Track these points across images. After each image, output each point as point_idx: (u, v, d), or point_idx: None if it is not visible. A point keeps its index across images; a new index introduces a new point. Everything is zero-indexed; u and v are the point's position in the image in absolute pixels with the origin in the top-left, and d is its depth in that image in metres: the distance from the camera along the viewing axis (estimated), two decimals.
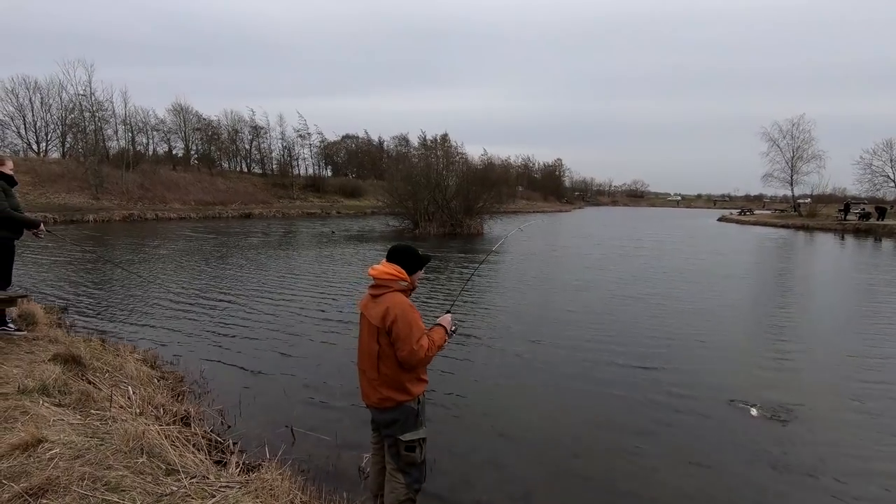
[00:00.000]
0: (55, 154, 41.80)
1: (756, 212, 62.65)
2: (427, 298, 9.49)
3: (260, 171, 54.70)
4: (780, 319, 8.65)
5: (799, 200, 49.61)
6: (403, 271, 2.68)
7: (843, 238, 28.52)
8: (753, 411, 4.73)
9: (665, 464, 3.86)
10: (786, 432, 4.41)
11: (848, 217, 37.13)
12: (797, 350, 6.85)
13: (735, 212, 64.64)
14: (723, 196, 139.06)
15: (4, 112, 39.33)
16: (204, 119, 50.27)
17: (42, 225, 5.39)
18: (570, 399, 5.08)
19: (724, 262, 16.02)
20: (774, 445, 4.16)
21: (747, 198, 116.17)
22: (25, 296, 5.66)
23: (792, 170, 47.38)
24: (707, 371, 5.89)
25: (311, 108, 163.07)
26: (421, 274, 2.83)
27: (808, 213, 43.08)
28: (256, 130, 54.33)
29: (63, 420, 3.30)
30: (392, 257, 2.73)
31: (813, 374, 5.98)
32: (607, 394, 5.16)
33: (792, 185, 48.18)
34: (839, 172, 72.68)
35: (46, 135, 42.39)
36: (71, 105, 37.78)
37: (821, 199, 47.22)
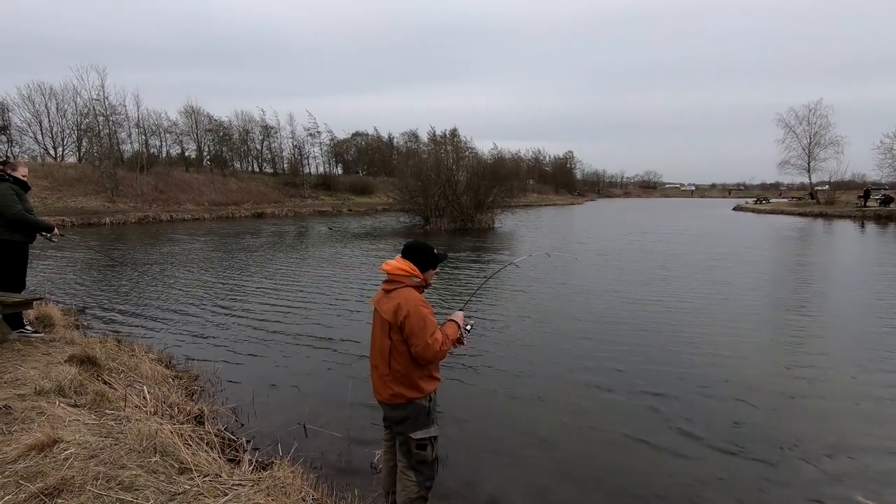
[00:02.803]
0: (71, 158, 42.54)
1: (772, 200, 61.53)
2: (430, 299, 9.19)
3: (271, 171, 55.09)
4: (812, 331, 7.39)
5: (816, 188, 48.50)
6: (416, 268, 2.67)
7: (863, 225, 27.82)
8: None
9: None
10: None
11: (868, 203, 36.24)
12: (834, 375, 5.59)
13: (750, 201, 63.57)
14: (738, 185, 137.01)
15: (22, 118, 40.16)
16: (215, 120, 50.76)
17: (55, 228, 5.46)
18: (568, 437, 4.24)
19: (744, 257, 15.41)
20: None
21: (763, 186, 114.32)
22: (41, 298, 5.75)
23: (809, 156, 46.18)
24: (734, 408, 4.68)
25: (320, 107, 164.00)
26: (434, 272, 2.81)
27: (826, 201, 42.10)
28: (267, 130, 54.71)
29: (78, 420, 3.33)
30: (406, 253, 2.73)
31: (858, 405, 4.80)
32: (618, 438, 4.16)
33: (809, 171, 47.00)
34: (858, 158, 70.43)
35: (62, 140, 43.18)
36: (85, 110, 38.38)
37: (839, 186, 45.79)
